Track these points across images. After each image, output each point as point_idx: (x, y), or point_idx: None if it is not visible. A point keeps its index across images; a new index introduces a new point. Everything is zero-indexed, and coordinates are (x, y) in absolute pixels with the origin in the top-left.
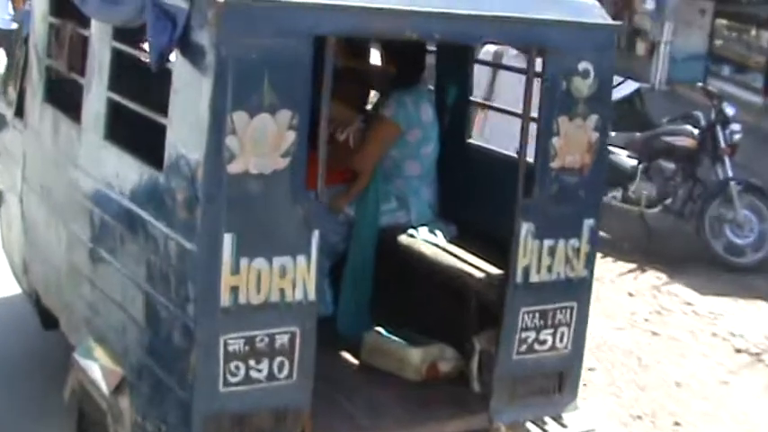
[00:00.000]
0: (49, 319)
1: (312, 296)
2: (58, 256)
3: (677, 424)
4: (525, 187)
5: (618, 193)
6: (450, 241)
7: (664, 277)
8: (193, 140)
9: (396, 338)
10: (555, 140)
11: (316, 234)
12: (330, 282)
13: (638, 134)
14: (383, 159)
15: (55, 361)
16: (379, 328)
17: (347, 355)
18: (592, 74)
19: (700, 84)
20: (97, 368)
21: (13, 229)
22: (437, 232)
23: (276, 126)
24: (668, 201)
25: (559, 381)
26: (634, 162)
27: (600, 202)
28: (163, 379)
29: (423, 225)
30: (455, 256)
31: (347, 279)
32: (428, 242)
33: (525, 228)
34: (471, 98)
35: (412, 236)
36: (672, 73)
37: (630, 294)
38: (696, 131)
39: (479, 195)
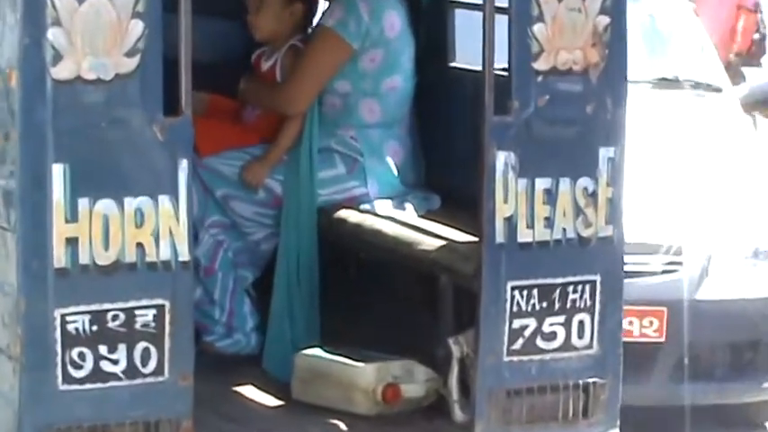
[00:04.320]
0: None
1: (185, 255)
2: None
3: None
4: (498, 101)
5: None
6: (425, 216)
7: None
8: (5, 39)
9: (339, 358)
10: (537, 29)
11: (184, 165)
12: (254, 302)
13: None
14: (323, 98)
15: None
16: (316, 350)
17: (273, 397)
18: None
19: None
20: None
21: None
22: (407, 206)
23: (115, 13)
24: None
25: (585, 398)
26: None
27: (624, 121)
28: None
29: (387, 198)
30: (427, 232)
31: (278, 294)
32: (389, 218)
33: (502, 160)
34: None
35: (366, 212)
36: None
37: None
38: None
39: (470, 146)
